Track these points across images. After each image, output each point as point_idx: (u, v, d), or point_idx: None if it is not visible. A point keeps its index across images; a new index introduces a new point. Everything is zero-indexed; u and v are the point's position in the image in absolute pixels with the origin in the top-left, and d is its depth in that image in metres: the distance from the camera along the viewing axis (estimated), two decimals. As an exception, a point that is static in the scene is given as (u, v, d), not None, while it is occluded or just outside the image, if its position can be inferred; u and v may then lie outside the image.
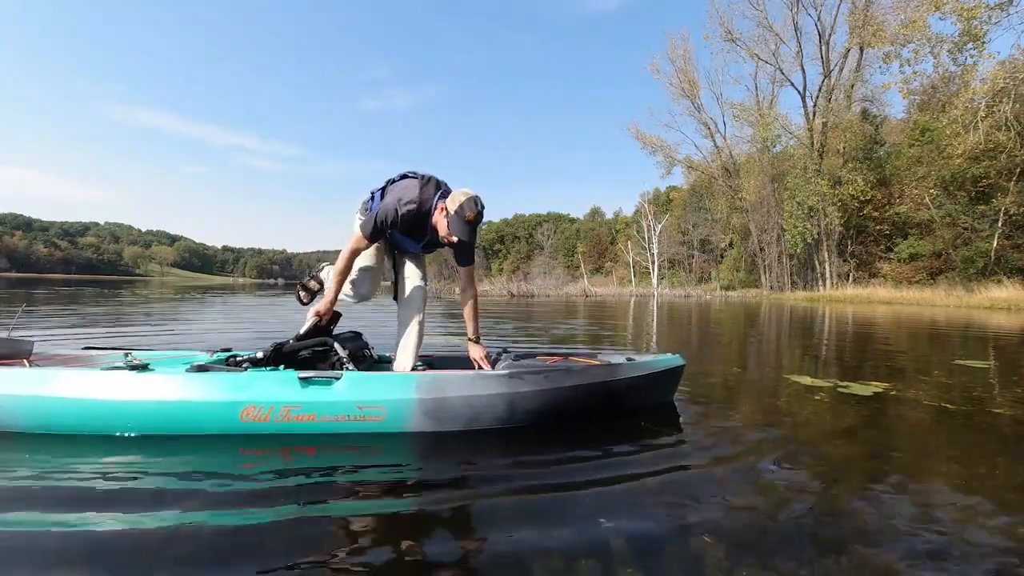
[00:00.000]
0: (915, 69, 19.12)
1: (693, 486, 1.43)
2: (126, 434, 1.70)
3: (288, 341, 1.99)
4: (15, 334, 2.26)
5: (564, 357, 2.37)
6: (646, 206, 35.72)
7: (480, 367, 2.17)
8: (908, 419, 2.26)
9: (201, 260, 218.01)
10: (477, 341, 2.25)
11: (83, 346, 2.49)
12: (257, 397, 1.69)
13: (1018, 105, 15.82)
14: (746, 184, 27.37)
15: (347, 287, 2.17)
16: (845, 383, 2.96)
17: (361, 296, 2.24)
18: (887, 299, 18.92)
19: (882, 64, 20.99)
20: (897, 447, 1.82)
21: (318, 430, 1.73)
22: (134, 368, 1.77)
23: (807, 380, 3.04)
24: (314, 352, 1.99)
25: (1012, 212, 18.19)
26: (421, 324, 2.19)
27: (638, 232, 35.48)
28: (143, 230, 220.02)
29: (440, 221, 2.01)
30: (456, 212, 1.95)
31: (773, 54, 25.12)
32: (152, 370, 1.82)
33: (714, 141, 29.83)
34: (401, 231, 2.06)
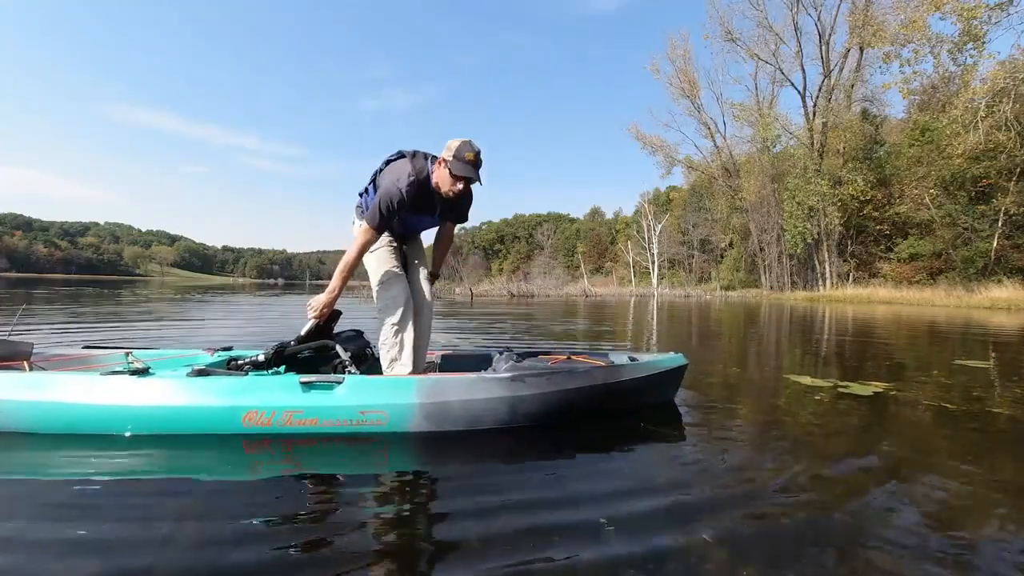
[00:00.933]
0: (915, 69, 19.12)
1: (693, 486, 1.43)
2: (127, 434, 1.69)
3: (289, 343, 1.97)
4: (15, 334, 2.26)
5: (567, 357, 2.36)
6: (646, 206, 35.71)
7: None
8: (908, 419, 2.26)
9: (201, 260, 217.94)
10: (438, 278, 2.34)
11: (83, 345, 2.47)
12: (259, 402, 1.69)
13: (1018, 105, 15.80)
14: (746, 184, 27.36)
15: (396, 316, 2.04)
16: (845, 383, 2.96)
17: (408, 309, 2.10)
18: (887, 299, 18.91)
19: (882, 64, 20.99)
20: (897, 447, 1.82)
21: (321, 435, 1.73)
22: (135, 372, 1.76)
23: (807, 380, 3.04)
24: (316, 354, 1.97)
25: (1012, 212, 18.19)
26: (429, 328, 2.18)
27: (638, 232, 35.47)
28: (143, 230, 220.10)
29: (442, 175, 1.92)
30: (455, 156, 1.88)
31: (773, 54, 25.14)
32: (153, 373, 1.80)
33: (714, 141, 29.85)
34: (411, 211, 1.99)
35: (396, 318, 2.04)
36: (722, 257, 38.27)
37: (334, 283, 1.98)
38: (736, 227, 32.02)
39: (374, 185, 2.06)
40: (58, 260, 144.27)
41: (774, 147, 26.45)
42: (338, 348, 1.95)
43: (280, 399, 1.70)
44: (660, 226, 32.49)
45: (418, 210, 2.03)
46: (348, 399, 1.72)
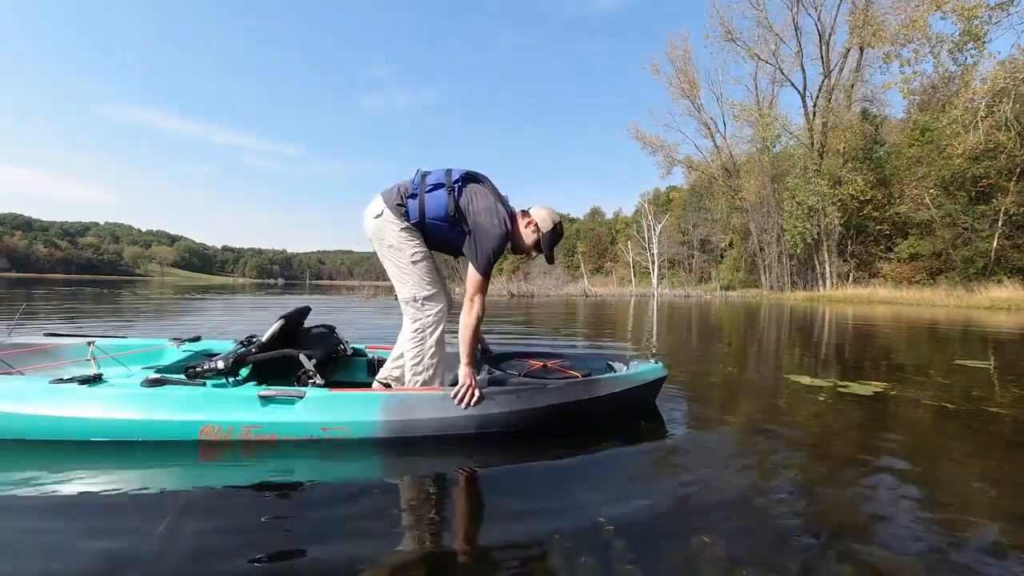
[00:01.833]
0: (915, 69, 19.14)
1: (692, 486, 1.43)
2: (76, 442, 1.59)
3: (251, 350, 1.86)
4: (15, 334, 2.26)
5: (543, 364, 2.22)
6: (646, 206, 35.69)
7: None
8: (908, 419, 2.26)
9: (201, 260, 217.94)
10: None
11: (45, 332, 2.34)
12: (216, 416, 1.62)
13: (1018, 105, 15.81)
14: (746, 184, 27.37)
15: (437, 335, 1.95)
16: (845, 383, 2.96)
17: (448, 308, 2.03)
18: (887, 299, 18.91)
19: (882, 64, 20.99)
20: (897, 447, 1.82)
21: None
22: (85, 382, 1.63)
23: (807, 380, 3.04)
24: (280, 362, 1.87)
25: (1012, 212, 18.20)
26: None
27: (638, 232, 35.46)
28: (143, 230, 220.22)
29: (527, 236, 1.93)
30: (553, 231, 1.93)
31: (773, 54, 25.14)
32: (105, 381, 1.69)
33: (714, 141, 29.85)
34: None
35: (437, 337, 1.94)
36: (722, 257, 38.28)
37: (470, 346, 1.81)
38: (736, 227, 32.03)
39: (453, 207, 1.84)
40: (58, 260, 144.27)
41: (774, 147, 26.45)
42: (301, 357, 1.85)
43: (238, 414, 1.63)
44: (660, 226, 32.47)
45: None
46: (309, 415, 1.66)
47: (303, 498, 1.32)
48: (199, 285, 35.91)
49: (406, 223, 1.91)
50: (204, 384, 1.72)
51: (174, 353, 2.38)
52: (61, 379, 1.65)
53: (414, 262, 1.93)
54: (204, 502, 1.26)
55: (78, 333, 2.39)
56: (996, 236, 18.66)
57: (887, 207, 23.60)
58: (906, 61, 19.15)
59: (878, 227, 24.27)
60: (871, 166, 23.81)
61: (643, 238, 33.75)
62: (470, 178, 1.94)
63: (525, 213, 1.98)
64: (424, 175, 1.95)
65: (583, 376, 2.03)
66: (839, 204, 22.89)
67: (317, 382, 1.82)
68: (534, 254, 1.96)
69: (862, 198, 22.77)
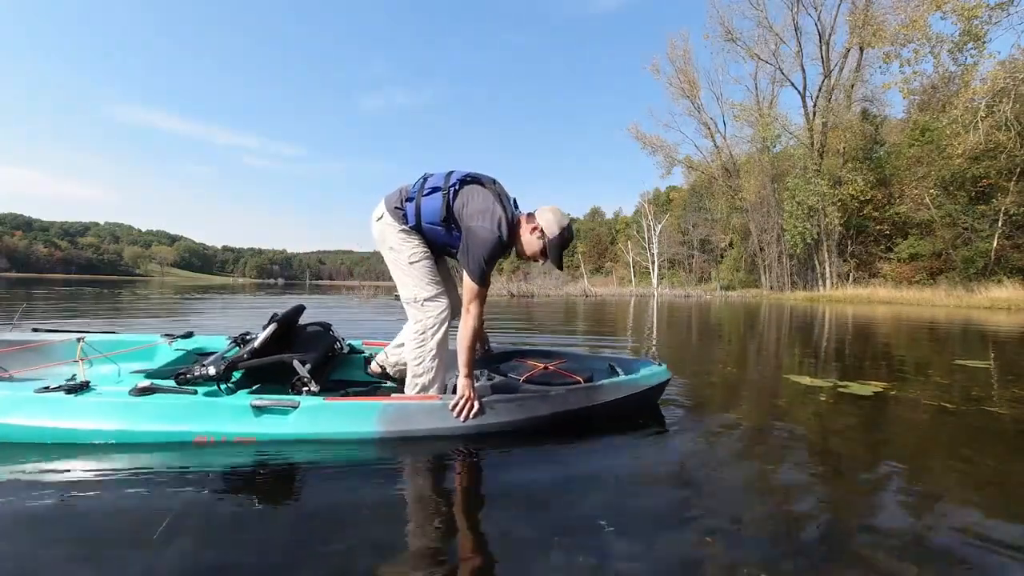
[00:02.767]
0: (915, 69, 19.13)
1: (692, 486, 1.43)
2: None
3: (243, 355, 1.82)
4: (15, 334, 2.25)
5: (545, 367, 2.15)
6: (646, 206, 35.67)
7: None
8: (908, 419, 2.26)
9: (201, 260, 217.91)
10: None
11: (32, 328, 2.29)
12: (209, 428, 1.59)
13: (1018, 105, 15.80)
14: (746, 184, 27.36)
15: (438, 338, 1.89)
16: (845, 383, 2.96)
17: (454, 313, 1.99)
18: (887, 299, 18.91)
19: (882, 64, 20.99)
20: (897, 447, 1.82)
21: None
22: (71, 391, 1.59)
23: (807, 380, 3.04)
24: (273, 366, 1.84)
25: (1012, 212, 18.20)
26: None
27: (638, 232, 35.44)
28: (143, 230, 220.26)
29: (531, 242, 1.83)
30: (560, 236, 1.82)
31: (773, 54, 25.13)
32: (93, 388, 1.65)
33: (714, 141, 29.84)
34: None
35: (437, 340, 1.89)
36: (722, 257, 38.28)
37: (467, 357, 1.76)
38: (736, 227, 32.03)
39: (447, 212, 1.82)
40: (58, 260, 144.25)
41: (774, 147, 26.45)
42: (295, 364, 1.81)
43: (231, 425, 1.60)
44: (660, 226, 32.46)
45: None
46: (303, 426, 1.62)
47: (299, 501, 1.31)
48: (199, 285, 35.91)
49: (404, 226, 1.90)
50: (195, 392, 1.68)
51: (166, 351, 2.34)
52: (47, 387, 1.60)
53: (412, 263, 1.91)
54: (197, 511, 1.26)
55: (67, 329, 2.33)
56: (996, 236, 18.65)
57: (887, 207, 23.60)
58: (906, 61, 19.16)
59: (878, 227, 24.28)
60: (871, 166, 23.80)
61: (643, 238, 33.74)
62: (470, 180, 1.87)
63: (531, 217, 1.86)
64: (426, 178, 1.92)
65: (585, 380, 1.99)
66: (839, 204, 22.89)
67: (312, 388, 1.79)
68: (541, 261, 1.86)
69: (862, 198, 22.77)
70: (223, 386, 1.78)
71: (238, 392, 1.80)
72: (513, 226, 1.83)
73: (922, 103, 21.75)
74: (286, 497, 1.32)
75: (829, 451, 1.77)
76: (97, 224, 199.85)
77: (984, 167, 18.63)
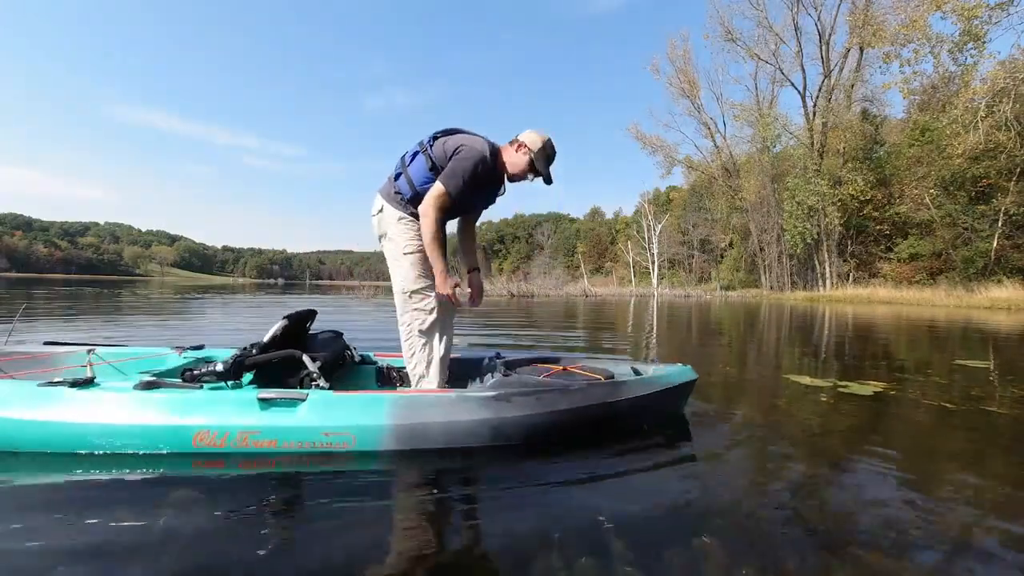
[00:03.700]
0: (915, 69, 19.17)
1: (693, 486, 1.43)
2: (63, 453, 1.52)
3: (252, 352, 1.79)
4: (15, 335, 2.25)
5: (564, 368, 2.11)
6: (646, 206, 35.70)
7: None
8: (908, 419, 2.26)
9: (201, 260, 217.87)
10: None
11: (44, 341, 2.29)
12: (211, 421, 1.53)
13: (1018, 105, 15.81)
14: (746, 184, 27.38)
15: (425, 327, 1.90)
16: (845, 383, 2.96)
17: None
18: (887, 299, 18.91)
19: (882, 64, 21.02)
20: (897, 447, 1.82)
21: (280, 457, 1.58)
22: (75, 384, 1.56)
23: (807, 380, 3.04)
24: (281, 364, 1.81)
25: (1012, 212, 18.21)
26: (452, 336, 2.01)
27: (638, 232, 35.46)
28: (143, 230, 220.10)
29: (517, 160, 1.88)
30: (543, 150, 1.86)
31: (773, 54, 25.15)
32: (97, 384, 1.62)
33: (714, 141, 29.86)
34: (480, 184, 1.85)
35: (424, 328, 1.89)
36: (722, 257, 38.29)
37: (435, 257, 1.80)
38: (736, 227, 32.03)
39: (432, 161, 1.84)
40: (58, 260, 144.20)
41: (774, 147, 26.45)
42: (304, 358, 1.77)
43: (235, 418, 1.55)
44: (660, 226, 32.48)
45: (481, 186, 1.88)
46: (311, 419, 1.57)
47: (298, 504, 1.31)
48: (199, 285, 35.92)
49: (403, 213, 1.90)
50: (200, 387, 1.66)
51: (176, 360, 2.32)
52: (51, 382, 1.58)
53: (405, 253, 1.90)
54: (199, 508, 1.26)
55: (78, 342, 2.32)
56: (996, 236, 18.66)
57: (887, 207, 23.60)
58: (906, 61, 19.18)
59: (878, 227, 24.28)
60: (871, 166, 23.81)
61: (643, 238, 33.76)
62: (445, 132, 1.91)
63: (512, 141, 1.93)
64: (404, 154, 1.97)
65: (606, 378, 1.92)
66: (839, 204, 22.89)
67: (321, 384, 1.75)
68: (531, 177, 1.90)
69: (862, 198, 22.77)
70: (229, 384, 1.75)
71: (244, 388, 1.78)
72: (496, 152, 1.89)
73: (922, 103, 21.76)
74: (283, 501, 1.32)
75: (829, 451, 1.77)
76: (97, 224, 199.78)
77: (984, 167, 18.63)
